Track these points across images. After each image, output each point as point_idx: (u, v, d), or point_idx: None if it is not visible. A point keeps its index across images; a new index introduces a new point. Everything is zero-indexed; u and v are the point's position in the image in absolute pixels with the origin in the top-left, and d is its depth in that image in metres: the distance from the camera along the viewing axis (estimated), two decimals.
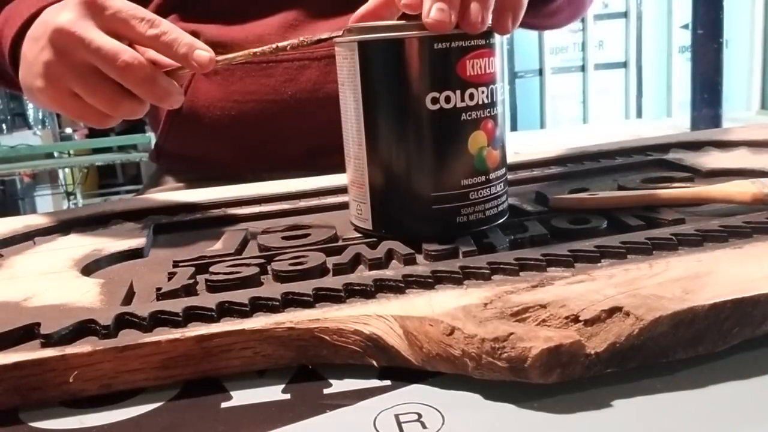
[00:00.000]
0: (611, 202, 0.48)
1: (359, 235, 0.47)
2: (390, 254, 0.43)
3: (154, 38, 0.48)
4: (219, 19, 0.76)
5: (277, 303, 0.36)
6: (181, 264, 0.44)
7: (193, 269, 0.42)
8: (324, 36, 0.46)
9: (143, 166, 3.80)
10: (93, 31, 0.48)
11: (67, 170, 3.78)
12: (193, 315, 0.36)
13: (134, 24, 0.48)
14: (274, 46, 0.48)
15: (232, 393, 0.33)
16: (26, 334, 0.35)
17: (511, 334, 0.30)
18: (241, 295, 0.37)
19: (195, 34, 0.76)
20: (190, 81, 0.77)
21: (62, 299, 0.39)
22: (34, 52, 0.52)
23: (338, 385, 0.33)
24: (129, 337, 0.34)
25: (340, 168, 0.48)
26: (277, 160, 0.78)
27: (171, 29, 0.49)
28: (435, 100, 0.42)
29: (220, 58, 0.49)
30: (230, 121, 0.75)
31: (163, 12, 0.79)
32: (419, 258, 0.42)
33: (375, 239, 0.45)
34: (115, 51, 0.48)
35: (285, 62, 0.75)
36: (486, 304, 0.33)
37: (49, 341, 0.34)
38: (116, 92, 0.49)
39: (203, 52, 0.48)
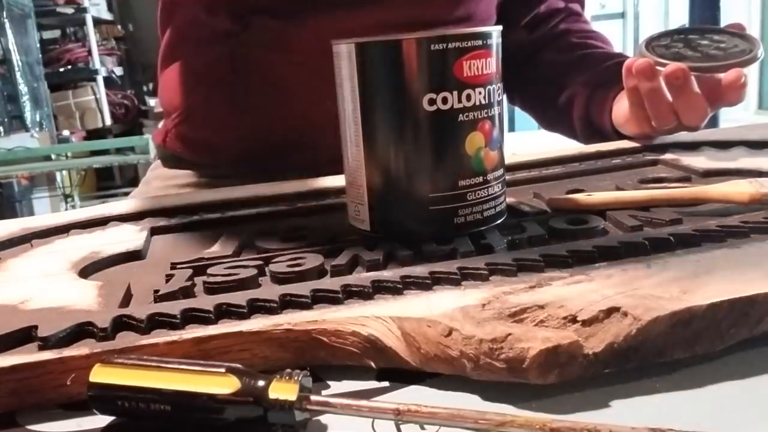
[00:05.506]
0: (609, 203, 0.48)
1: (357, 236, 0.47)
2: (388, 255, 0.43)
3: None
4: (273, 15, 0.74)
5: (275, 304, 0.36)
6: (178, 266, 0.44)
7: (190, 271, 0.42)
8: None
9: (141, 168, 3.79)
10: None
11: (64, 173, 3.76)
12: (191, 317, 0.36)
13: None
14: None
15: None
16: (24, 336, 0.35)
17: (509, 334, 0.30)
18: (239, 297, 0.37)
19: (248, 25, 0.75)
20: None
21: (60, 302, 0.39)
22: None
23: (336, 387, 0.33)
24: (127, 339, 0.34)
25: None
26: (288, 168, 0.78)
27: None
28: (432, 101, 0.42)
29: None
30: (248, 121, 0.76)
31: (216, 5, 0.77)
32: (417, 259, 0.42)
33: (373, 240, 0.45)
34: None
35: None
36: (484, 305, 0.33)
37: (46, 344, 0.34)
38: None
39: None
